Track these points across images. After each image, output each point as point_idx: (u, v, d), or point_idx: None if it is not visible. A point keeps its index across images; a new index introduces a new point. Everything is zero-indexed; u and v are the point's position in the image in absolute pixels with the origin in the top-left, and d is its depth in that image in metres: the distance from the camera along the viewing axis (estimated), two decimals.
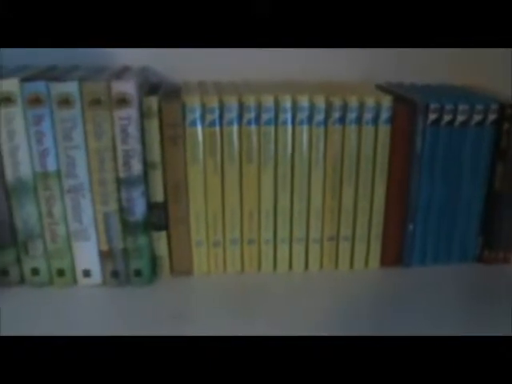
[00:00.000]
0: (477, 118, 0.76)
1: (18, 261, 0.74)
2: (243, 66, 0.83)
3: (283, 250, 0.79)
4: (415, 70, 0.87)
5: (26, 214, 0.71)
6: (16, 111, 0.68)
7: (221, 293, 0.75)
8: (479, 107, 0.76)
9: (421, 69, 0.86)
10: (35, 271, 0.74)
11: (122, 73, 0.74)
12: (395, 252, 0.81)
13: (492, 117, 0.76)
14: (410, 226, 0.79)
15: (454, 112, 0.75)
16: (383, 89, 0.81)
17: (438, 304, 0.73)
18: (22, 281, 0.75)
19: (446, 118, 0.75)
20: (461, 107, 0.75)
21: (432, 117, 0.75)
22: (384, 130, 0.75)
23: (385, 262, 0.81)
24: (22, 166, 0.70)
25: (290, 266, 0.80)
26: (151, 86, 0.78)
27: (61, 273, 0.74)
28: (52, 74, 0.72)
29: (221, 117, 0.72)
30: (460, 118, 0.75)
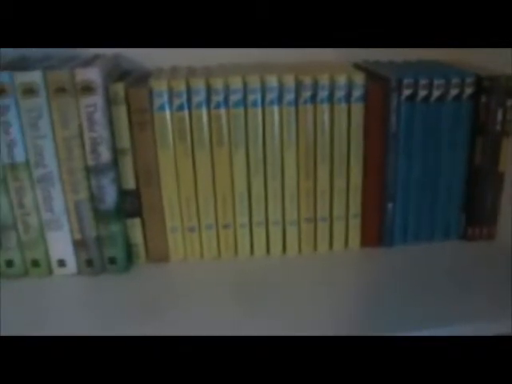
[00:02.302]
0: (453, 92, 0.74)
1: None
2: (217, 51, 0.82)
3: (260, 234, 0.78)
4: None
5: None
6: None
7: (198, 279, 0.74)
8: (455, 81, 0.74)
9: None
10: (10, 263, 0.74)
11: (90, 61, 0.74)
12: (376, 231, 0.79)
13: (469, 90, 0.75)
14: (390, 205, 0.78)
15: (430, 87, 0.74)
16: (360, 67, 0.80)
17: (421, 285, 0.71)
18: None
19: (422, 93, 0.74)
20: (436, 82, 0.74)
21: (406, 93, 0.74)
22: (357, 108, 0.73)
23: (365, 242, 0.80)
24: None
25: (268, 250, 0.79)
26: (122, 73, 0.78)
27: (35, 263, 0.74)
28: (20, 64, 0.71)
29: (189, 100, 0.72)
30: (436, 93, 0.74)
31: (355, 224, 0.78)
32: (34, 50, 0.77)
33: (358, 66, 0.81)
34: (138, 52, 0.82)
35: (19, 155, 0.70)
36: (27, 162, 0.70)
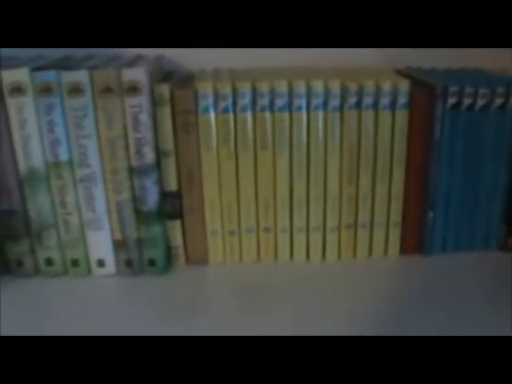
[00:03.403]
0: (498, 101, 0.74)
1: (33, 251, 0.73)
2: (258, 53, 0.81)
3: (300, 239, 0.77)
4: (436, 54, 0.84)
5: (39, 203, 0.71)
6: (27, 100, 0.67)
7: (236, 283, 0.74)
8: (501, 90, 0.73)
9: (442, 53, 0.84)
10: (49, 261, 0.74)
11: (134, 61, 0.74)
12: (415, 239, 0.79)
13: None
14: (430, 213, 0.77)
15: (475, 96, 0.73)
16: (402, 73, 0.79)
17: (459, 296, 0.71)
18: (36, 271, 0.74)
19: (466, 101, 0.73)
20: (481, 91, 0.73)
21: (451, 101, 0.73)
22: (402, 115, 0.73)
23: (405, 249, 0.79)
24: (34, 156, 0.69)
25: (308, 255, 0.78)
26: (165, 75, 0.77)
27: (75, 263, 0.74)
28: (65, 64, 0.71)
29: (234, 103, 0.71)
30: (480, 102, 0.73)
31: (395, 231, 0.78)
32: (74, 49, 0.77)
33: (400, 72, 0.81)
34: (178, 53, 0.82)
35: (63, 154, 0.70)
36: (71, 161, 0.70)
